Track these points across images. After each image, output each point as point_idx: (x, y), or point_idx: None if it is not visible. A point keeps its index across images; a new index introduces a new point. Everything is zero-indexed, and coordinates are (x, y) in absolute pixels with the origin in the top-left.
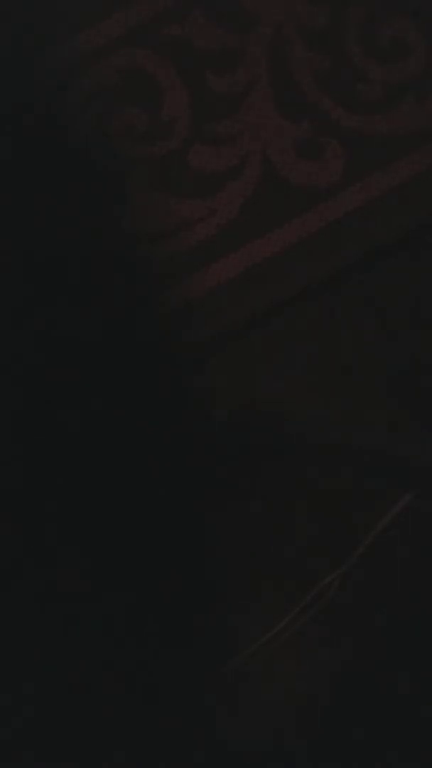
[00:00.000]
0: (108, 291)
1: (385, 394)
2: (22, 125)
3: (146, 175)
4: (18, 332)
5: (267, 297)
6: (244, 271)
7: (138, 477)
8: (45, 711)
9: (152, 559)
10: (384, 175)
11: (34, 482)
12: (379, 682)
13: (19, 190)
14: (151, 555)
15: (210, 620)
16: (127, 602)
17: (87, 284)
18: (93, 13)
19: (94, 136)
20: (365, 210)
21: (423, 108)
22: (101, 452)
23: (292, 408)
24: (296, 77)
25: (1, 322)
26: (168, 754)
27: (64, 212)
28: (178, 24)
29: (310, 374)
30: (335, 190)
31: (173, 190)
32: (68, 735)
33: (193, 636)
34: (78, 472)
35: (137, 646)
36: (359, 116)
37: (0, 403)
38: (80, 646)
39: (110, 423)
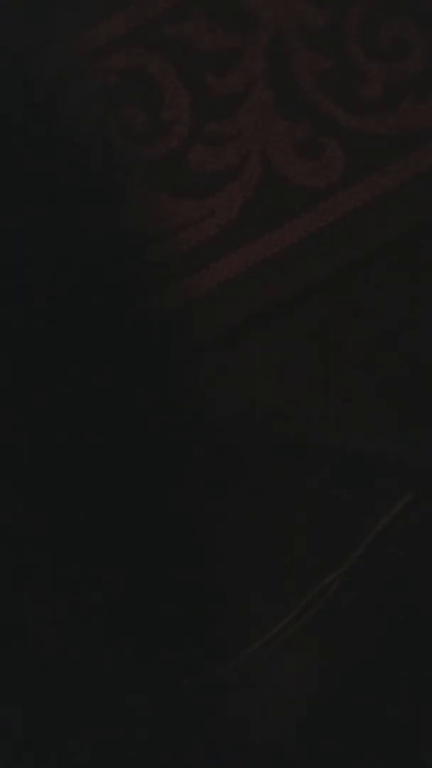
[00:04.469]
0: (107, 291)
1: (385, 393)
2: (21, 125)
3: (146, 175)
4: (16, 334)
5: (267, 297)
6: (244, 271)
7: (137, 478)
8: (39, 711)
9: (151, 560)
10: (384, 175)
11: (33, 483)
12: (379, 682)
13: (18, 190)
14: (150, 555)
15: (209, 620)
16: (124, 602)
17: (86, 285)
18: (93, 13)
19: (94, 136)
20: (365, 210)
21: (423, 108)
22: (100, 454)
23: (292, 408)
24: (296, 77)
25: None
26: (166, 755)
27: (64, 212)
28: (178, 24)
29: (309, 374)
30: (335, 190)
31: (173, 190)
32: (65, 736)
33: (193, 636)
34: (77, 474)
35: (135, 646)
36: (359, 116)
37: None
38: (77, 648)
39: (109, 423)
